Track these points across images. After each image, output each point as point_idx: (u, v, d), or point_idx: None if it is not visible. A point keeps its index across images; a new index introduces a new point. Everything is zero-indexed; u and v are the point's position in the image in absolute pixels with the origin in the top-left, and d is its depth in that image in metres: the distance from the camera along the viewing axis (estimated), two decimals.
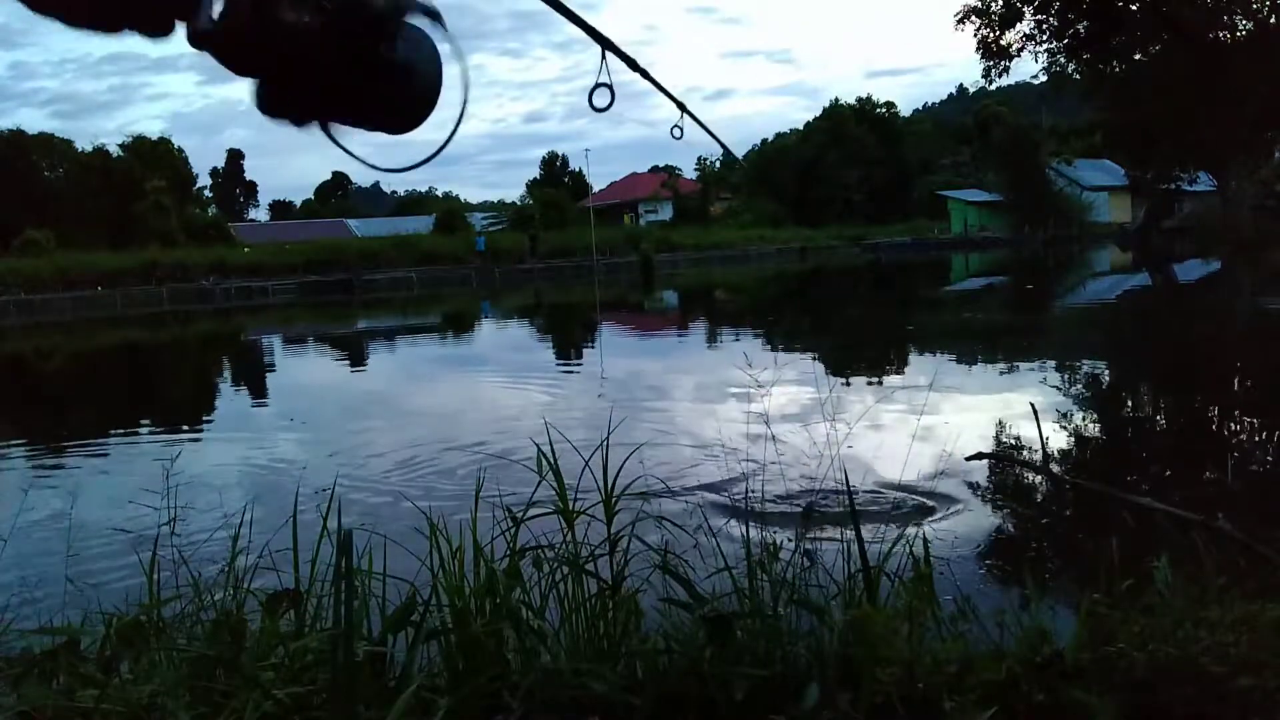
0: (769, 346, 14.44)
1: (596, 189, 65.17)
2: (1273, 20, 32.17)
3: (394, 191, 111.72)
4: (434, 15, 0.94)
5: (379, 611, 2.42)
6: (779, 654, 2.20)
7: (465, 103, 1.03)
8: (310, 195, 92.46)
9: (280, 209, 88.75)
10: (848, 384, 9.82)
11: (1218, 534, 3.32)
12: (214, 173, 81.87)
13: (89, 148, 56.31)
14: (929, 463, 5.80)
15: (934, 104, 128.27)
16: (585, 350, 17.08)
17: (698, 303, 29.15)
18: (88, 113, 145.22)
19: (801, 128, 73.57)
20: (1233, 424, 7.75)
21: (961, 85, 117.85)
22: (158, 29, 0.84)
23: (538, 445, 2.62)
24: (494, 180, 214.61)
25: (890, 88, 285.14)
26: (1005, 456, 6.23)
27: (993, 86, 41.54)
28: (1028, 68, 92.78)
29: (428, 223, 60.09)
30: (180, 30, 0.84)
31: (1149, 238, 46.87)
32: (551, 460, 2.56)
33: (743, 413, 3.93)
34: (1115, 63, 36.04)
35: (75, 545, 3.49)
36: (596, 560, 2.50)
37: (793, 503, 3.51)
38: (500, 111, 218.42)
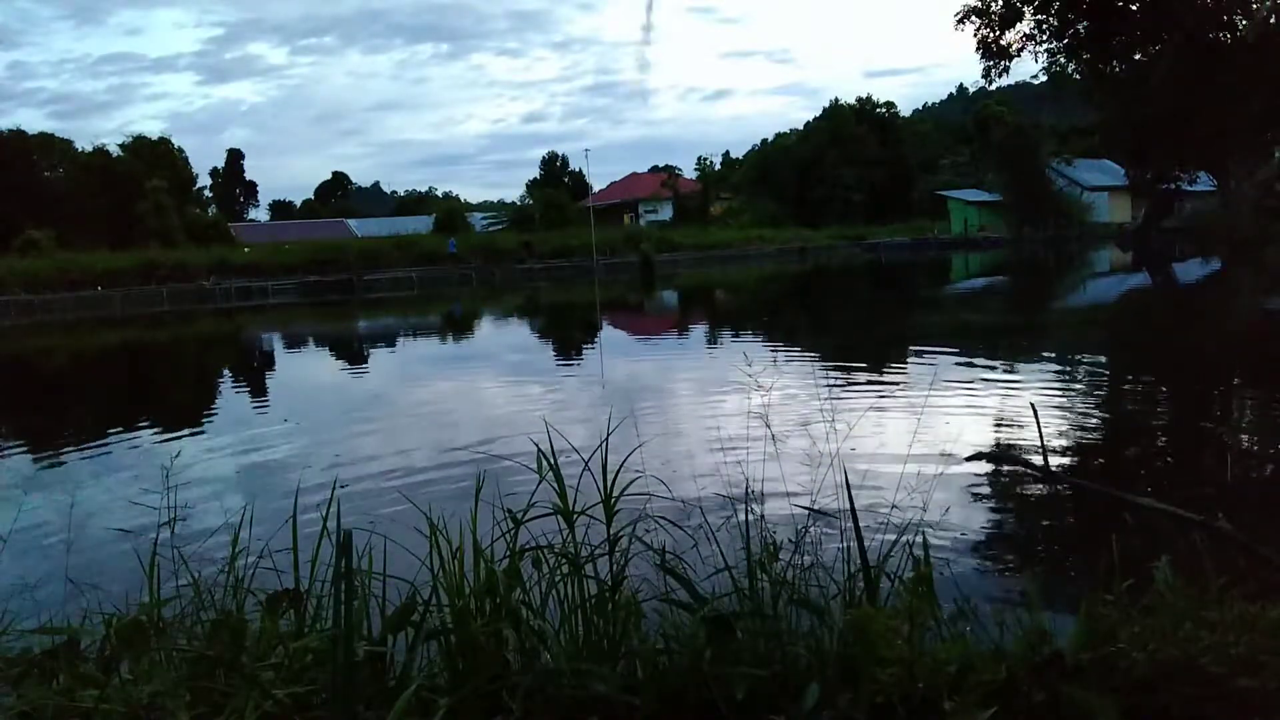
0: (769, 346, 14.43)
1: (596, 189, 65.16)
2: (1273, 20, 32.14)
3: (394, 191, 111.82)
4: None
5: (379, 611, 2.41)
6: (779, 654, 2.20)
7: None
8: (310, 195, 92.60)
9: (280, 209, 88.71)
10: (848, 383, 9.81)
11: (1218, 534, 3.32)
12: (214, 173, 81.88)
13: (89, 148, 56.48)
14: (929, 462, 5.79)
15: (934, 104, 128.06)
16: (585, 350, 17.07)
17: (697, 302, 29.15)
18: (88, 113, 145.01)
19: (801, 128, 73.63)
20: (1233, 424, 7.74)
21: (961, 85, 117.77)
22: None
23: (537, 446, 2.61)
24: (494, 180, 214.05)
25: (890, 88, 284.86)
26: (1005, 456, 6.23)
27: (993, 86, 41.65)
28: (1028, 68, 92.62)
29: (428, 223, 60.16)
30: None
31: (1149, 238, 46.82)
32: (551, 460, 2.56)
33: (742, 412, 3.92)
34: (1115, 63, 36.04)
35: (75, 545, 3.49)
36: (596, 560, 2.50)
37: (793, 503, 3.50)
38: (500, 111, 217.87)
